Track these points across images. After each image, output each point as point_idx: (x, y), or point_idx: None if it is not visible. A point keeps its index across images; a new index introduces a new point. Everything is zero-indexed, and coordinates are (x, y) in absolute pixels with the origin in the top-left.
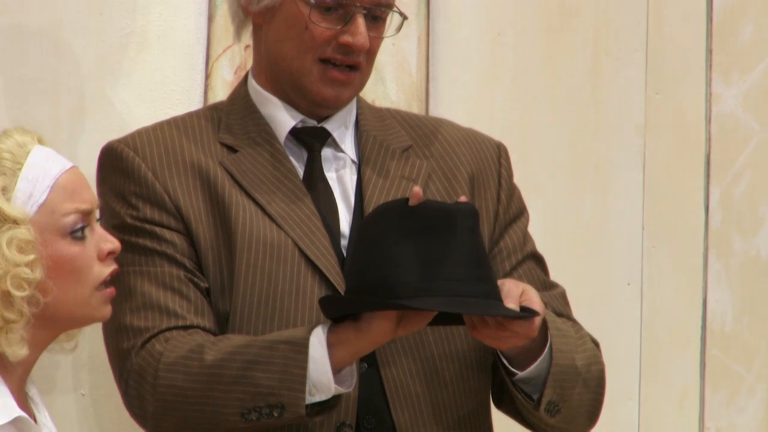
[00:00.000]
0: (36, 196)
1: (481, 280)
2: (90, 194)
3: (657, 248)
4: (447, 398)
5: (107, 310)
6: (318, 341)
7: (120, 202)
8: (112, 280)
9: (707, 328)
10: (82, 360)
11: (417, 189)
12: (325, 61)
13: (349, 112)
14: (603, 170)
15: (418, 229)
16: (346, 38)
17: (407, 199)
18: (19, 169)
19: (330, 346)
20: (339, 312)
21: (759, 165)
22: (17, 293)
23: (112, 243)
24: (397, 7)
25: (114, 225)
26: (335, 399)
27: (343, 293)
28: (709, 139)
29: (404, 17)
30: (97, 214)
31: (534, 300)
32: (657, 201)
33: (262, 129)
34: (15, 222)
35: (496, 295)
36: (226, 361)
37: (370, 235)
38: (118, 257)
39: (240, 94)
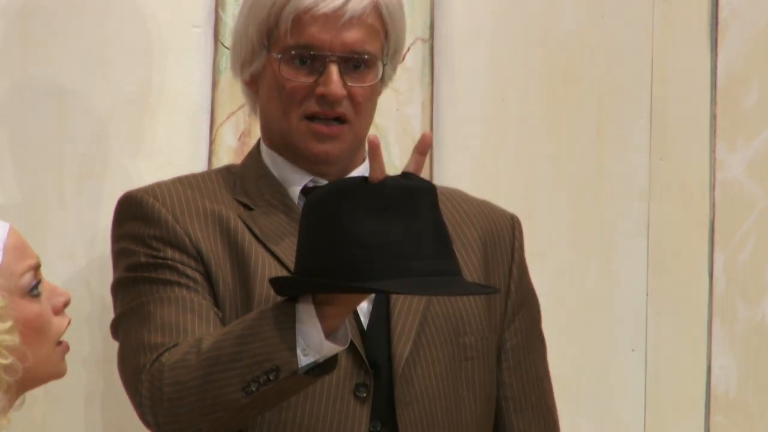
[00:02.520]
0: None
1: (444, 257)
2: (32, 249)
3: (661, 314)
4: None
5: (65, 366)
6: (304, 302)
7: (138, 244)
8: (124, 315)
9: (711, 394)
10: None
11: (374, 136)
12: (311, 118)
13: (360, 174)
14: (607, 236)
15: (379, 207)
16: (320, 89)
17: (365, 177)
18: None
19: (317, 304)
20: (299, 292)
21: (763, 231)
22: (1, 361)
23: (64, 296)
24: (377, 54)
25: (128, 265)
26: (333, 361)
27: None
28: (713, 206)
29: (384, 64)
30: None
31: None
32: (661, 267)
33: (276, 190)
34: None
35: (458, 271)
36: (219, 342)
37: (327, 212)
38: (133, 291)
39: (253, 157)
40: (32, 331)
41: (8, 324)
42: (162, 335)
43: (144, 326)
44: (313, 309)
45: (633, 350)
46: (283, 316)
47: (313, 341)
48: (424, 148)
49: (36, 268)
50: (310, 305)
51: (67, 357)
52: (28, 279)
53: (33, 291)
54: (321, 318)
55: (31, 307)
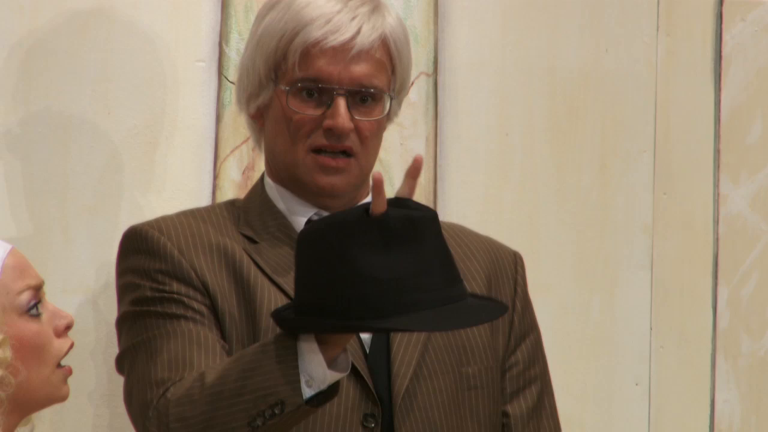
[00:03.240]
0: None
1: (453, 283)
2: (35, 271)
3: (665, 348)
4: None
5: (66, 390)
6: (305, 335)
7: (143, 278)
8: (130, 350)
9: (715, 429)
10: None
11: (378, 173)
12: (317, 151)
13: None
14: (611, 270)
15: (384, 240)
16: (328, 122)
17: (366, 209)
18: None
19: (318, 336)
20: (307, 331)
21: (767, 265)
22: None
23: (66, 318)
24: (384, 88)
25: (133, 300)
26: (335, 388)
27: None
28: (716, 240)
29: (391, 98)
30: (45, 290)
31: None
32: (665, 301)
33: (280, 223)
34: None
35: (465, 294)
36: (222, 377)
37: (329, 246)
38: (139, 325)
39: (257, 191)
40: (30, 350)
41: None
42: (168, 370)
43: (150, 361)
44: (314, 339)
45: (637, 384)
46: (285, 350)
47: (317, 373)
48: (416, 172)
49: (36, 288)
50: (310, 336)
51: (73, 390)
52: (26, 298)
53: (31, 310)
54: (322, 348)
55: (28, 326)
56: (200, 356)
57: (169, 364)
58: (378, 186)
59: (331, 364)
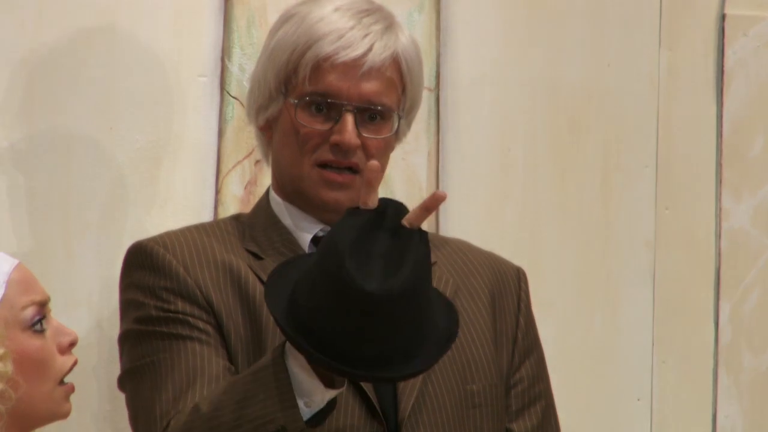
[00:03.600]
0: None
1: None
2: (41, 287)
3: (667, 363)
4: None
5: (68, 407)
6: (293, 356)
7: (147, 296)
8: (135, 372)
9: None
10: None
11: (377, 163)
12: (323, 166)
13: None
14: (613, 285)
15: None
16: (335, 137)
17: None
18: None
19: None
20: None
21: None
22: None
23: (70, 335)
24: (393, 107)
25: (137, 318)
26: (333, 402)
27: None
28: (719, 255)
29: (400, 117)
30: (50, 306)
31: None
32: (667, 316)
33: (285, 239)
34: None
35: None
36: (219, 409)
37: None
38: (144, 346)
39: (262, 207)
40: (32, 365)
41: (0, 351)
42: (173, 400)
43: (155, 390)
44: (304, 360)
45: (639, 399)
46: (279, 374)
47: (315, 394)
48: (434, 206)
49: (41, 304)
50: (300, 357)
51: (76, 407)
52: (30, 313)
53: (35, 326)
54: (316, 368)
55: (31, 342)
56: (203, 383)
57: (174, 394)
58: (374, 174)
59: (327, 381)
